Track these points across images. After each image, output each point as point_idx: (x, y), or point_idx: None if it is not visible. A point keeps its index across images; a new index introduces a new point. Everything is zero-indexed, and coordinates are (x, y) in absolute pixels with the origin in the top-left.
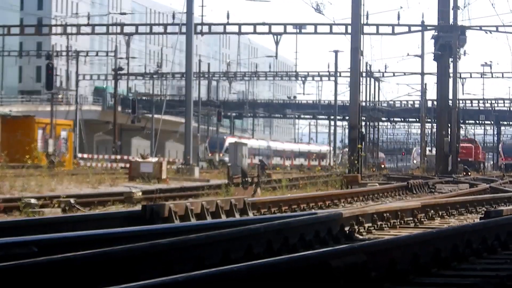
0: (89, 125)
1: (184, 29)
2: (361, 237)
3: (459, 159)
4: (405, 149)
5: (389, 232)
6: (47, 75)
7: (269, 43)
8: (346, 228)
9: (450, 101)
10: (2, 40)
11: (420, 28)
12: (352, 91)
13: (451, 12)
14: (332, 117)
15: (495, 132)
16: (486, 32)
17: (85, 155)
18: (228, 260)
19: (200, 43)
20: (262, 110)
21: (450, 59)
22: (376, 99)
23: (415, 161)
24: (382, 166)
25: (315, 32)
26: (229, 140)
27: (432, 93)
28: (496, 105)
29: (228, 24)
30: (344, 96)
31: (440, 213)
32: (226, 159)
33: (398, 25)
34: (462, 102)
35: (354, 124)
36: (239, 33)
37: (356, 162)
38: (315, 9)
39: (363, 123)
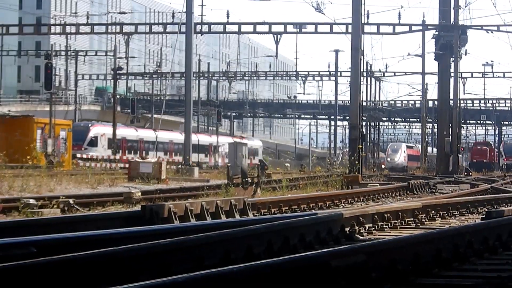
0: None
1: (183, 29)
2: (361, 237)
3: (475, 160)
4: None
5: (390, 232)
6: (46, 75)
7: (269, 42)
8: (347, 229)
9: (451, 101)
10: (0, 40)
11: (421, 27)
12: (353, 91)
13: (452, 11)
14: (332, 117)
15: (496, 132)
16: (487, 32)
17: (84, 155)
18: (228, 261)
19: (199, 42)
20: (262, 110)
21: (451, 59)
22: (377, 99)
23: (388, 159)
24: (383, 166)
25: (316, 32)
26: (96, 129)
27: (433, 93)
28: (497, 105)
29: (228, 23)
30: (345, 96)
31: (441, 213)
32: (92, 153)
33: (399, 24)
34: (463, 102)
35: (355, 124)
36: (239, 32)
37: (356, 162)
38: (315, 9)
39: (364, 123)
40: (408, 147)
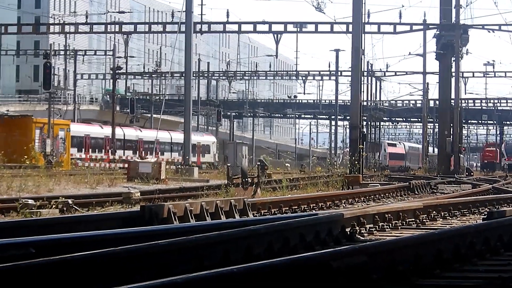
0: None
1: (183, 28)
2: (362, 238)
3: (485, 161)
4: None
5: (391, 233)
6: (44, 75)
7: (269, 42)
8: (347, 229)
9: (453, 101)
10: None
11: (422, 27)
12: (353, 91)
13: (453, 10)
14: (333, 116)
15: (498, 132)
16: (489, 31)
17: (83, 155)
18: (228, 261)
19: (199, 42)
20: (262, 110)
21: (453, 58)
22: (378, 98)
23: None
24: None
25: (316, 31)
26: None
27: (434, 93)
28: (499, 104)
29: (227, 22)
30: (345, 95)
31: (442, 214)
32: None
33: (400, 24)
34: (465, 102)
35: (355, 124)
36: (239, 32)
37: (357, 162)
38: (315, 8)
39: (364, 123)
40: (390, 145)
